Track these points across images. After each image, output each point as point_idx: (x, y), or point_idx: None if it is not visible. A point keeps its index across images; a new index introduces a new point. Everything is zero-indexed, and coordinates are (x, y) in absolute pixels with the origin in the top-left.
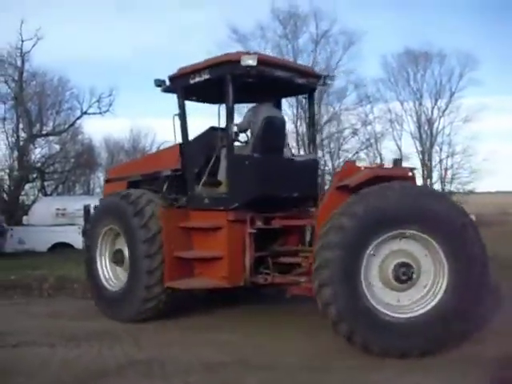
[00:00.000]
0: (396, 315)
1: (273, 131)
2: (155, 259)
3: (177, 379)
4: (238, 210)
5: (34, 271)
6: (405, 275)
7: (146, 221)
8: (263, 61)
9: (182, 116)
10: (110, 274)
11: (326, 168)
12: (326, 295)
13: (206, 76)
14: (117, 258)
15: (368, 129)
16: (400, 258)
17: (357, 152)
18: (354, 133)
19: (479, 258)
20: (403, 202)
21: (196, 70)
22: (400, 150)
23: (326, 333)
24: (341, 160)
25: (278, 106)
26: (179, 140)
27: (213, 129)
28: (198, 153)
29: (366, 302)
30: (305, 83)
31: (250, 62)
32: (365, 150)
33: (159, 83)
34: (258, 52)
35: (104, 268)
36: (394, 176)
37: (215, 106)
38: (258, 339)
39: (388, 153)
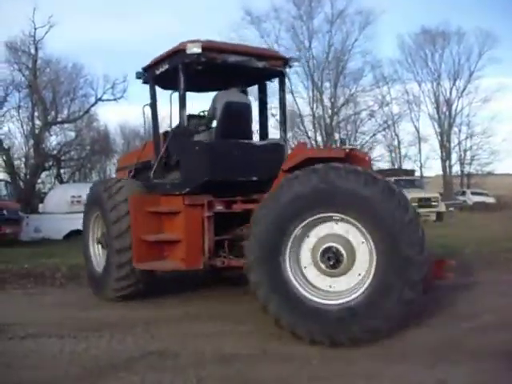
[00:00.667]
0: (326, 301)
1: (233, 116)
2: (124, 239)
3: (189, 372)
4: (195, 195)
5: (48, 260)
6: (330, 260)
7: (116, 204)
8: (210, 47)
9: (153, 105)
10: (99, 258)
11: None
12: (254, 277)
13: (166, 66)
14: (101, 241)
15: (385, 110)
16: (330, 242)
17: (374, 134)
18: (371, 115)
19: (413, 258)
20: (322, 184)
21: (159, 60)
22: (418, 131)
23: None
24: (357, 143)
25: (245, 92)
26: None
27: (190, 116)
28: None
29: (292, 286)
30: (267, 67)
31: (195, 49)
32: (382, 132)
33: (139, 75)
34: (205, 40)
35: (95, 252)
36: (327, 157)
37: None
38: (278, 330)
39: (406, 135)
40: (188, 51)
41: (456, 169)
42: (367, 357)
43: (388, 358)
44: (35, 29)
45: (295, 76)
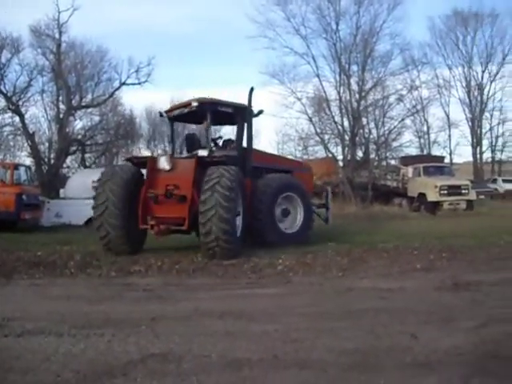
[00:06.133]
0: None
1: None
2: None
3: (192, 379)
4: None
5: (64, 247)
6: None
7: None
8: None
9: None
10: None
11: (371, 136)
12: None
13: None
14: None
15: (414, 95)
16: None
17: (402, 119)
18: (400, 99)
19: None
20: None
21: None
22: (448, 117)
23: (378, 329)
24: (385, 128)
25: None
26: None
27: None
28: None
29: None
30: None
31: (194, 104)
32: (411, 118)
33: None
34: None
35: None
36: None
37: None
38: (294, 331)
39: (435, 120)
40: (192, 104)
41: (487, 155)
42: (393, 365)
43: (416, 368)
44: (59, 12)
45: (322, 59)
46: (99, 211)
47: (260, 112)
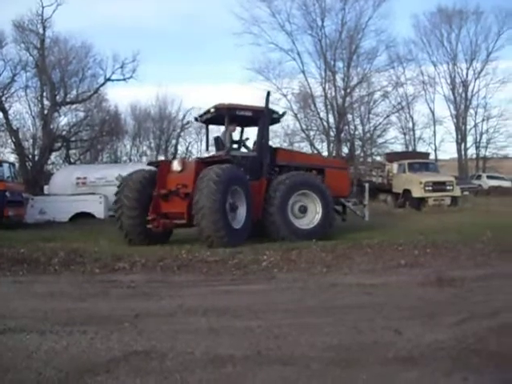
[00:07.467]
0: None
1: None
2: None
3: (175, 377)
4: None
5: (48, 244)
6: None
7: None
8: (220, 107)
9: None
10: None
11: (356, 133)
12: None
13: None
14: None
15: (399, 91)
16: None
17: (387, 116)
18: (385, 96)
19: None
20: None
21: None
22: (433, 113)
23: (361, 325)
24: (371, 125)
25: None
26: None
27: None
28: None
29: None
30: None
31: (212, 110)
32: (396, 114)
33: (195, 119)
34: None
35: None
36: None
37: None
38: (281, 329)
39: (420, 117)
40: (210, 110)
41: (471, 152)
42: (376, 360)
43: (400, 363)
44: (43, 7)
45: (307, 55)
46: (118, 213)
47: (284, 113)
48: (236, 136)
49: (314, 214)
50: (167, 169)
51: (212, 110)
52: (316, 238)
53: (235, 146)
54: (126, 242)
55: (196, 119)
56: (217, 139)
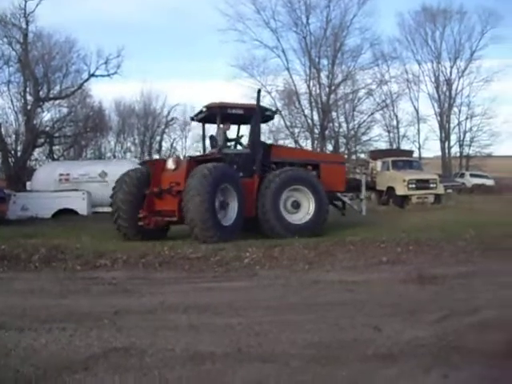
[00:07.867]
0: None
1: None
2: None
3: (154, 374)
4: None
5: (30, 240)
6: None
7: None
8: (211, 106)
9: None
10: None
11: (341, 130)
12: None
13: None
14: None
15: (384, 89)
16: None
17: (372, 113)
18: (369, 93)
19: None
20: None
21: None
22: (417, 111)
23: (342, 322)
24: (355, 122)
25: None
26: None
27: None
28: None
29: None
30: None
31: (204, 109)
32: (380, 112)
33: (191, 118)
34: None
35: None
36: None
37: None
38: (257, 323)
39: (404, 115)
40: (202, 110)
41: (455, 150)
42: (355, 358)
43: (379, 360)
44: (25, 1)
45: (292, 53)
46: (114, 216)
47: (276, 111)
48: (233, 134)
49: (307, 209)
50: (162, 167)
51: (204, 110)
52: (309, 233)
53: (232, 143)
54: (121, 240)
55: (192, 119)
56: (211, 138)
